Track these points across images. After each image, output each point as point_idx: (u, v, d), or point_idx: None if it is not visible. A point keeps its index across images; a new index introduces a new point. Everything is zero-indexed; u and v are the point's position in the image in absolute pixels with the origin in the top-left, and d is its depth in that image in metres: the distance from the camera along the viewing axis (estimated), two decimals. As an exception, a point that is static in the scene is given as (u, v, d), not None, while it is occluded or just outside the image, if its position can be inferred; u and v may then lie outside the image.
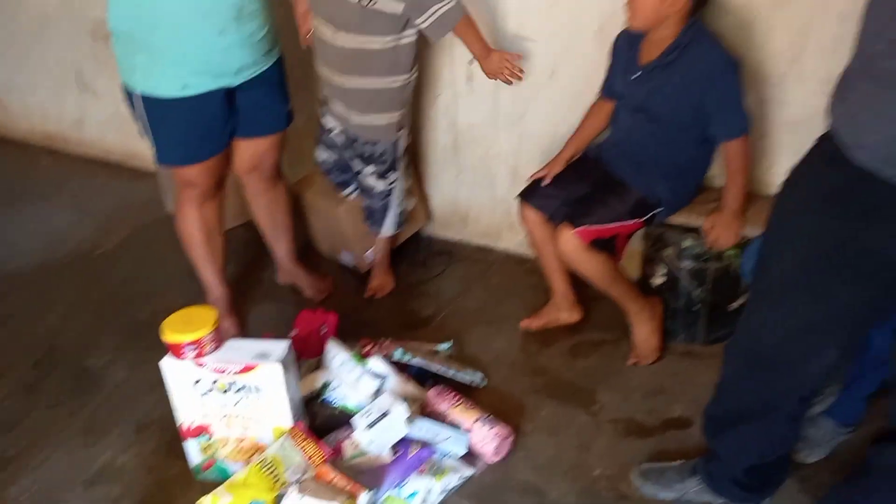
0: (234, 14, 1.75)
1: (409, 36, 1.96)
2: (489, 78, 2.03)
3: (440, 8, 1.87)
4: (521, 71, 2.01)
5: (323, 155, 2.29)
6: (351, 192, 2.32)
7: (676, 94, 1.81)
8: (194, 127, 1.85)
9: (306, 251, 2.47)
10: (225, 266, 2.15)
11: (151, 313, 2.10)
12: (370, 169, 2.17)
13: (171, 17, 1.72)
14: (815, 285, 1.25)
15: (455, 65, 2.28)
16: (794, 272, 1.27)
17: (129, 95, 1.83)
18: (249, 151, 2.04)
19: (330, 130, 2.21)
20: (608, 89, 1.99)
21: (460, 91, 2.33)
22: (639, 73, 1.85)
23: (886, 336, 1.55)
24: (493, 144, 2.38)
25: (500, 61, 1.99)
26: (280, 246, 2.30)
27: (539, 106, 2.24)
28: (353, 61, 1.98)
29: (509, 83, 2.02)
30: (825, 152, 1.21)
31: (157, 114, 1.82)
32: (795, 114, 1.93)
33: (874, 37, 1.09)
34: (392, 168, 2.18)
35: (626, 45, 1.90)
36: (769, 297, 1.35)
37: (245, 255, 2.51)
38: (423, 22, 1.89)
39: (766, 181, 2.04)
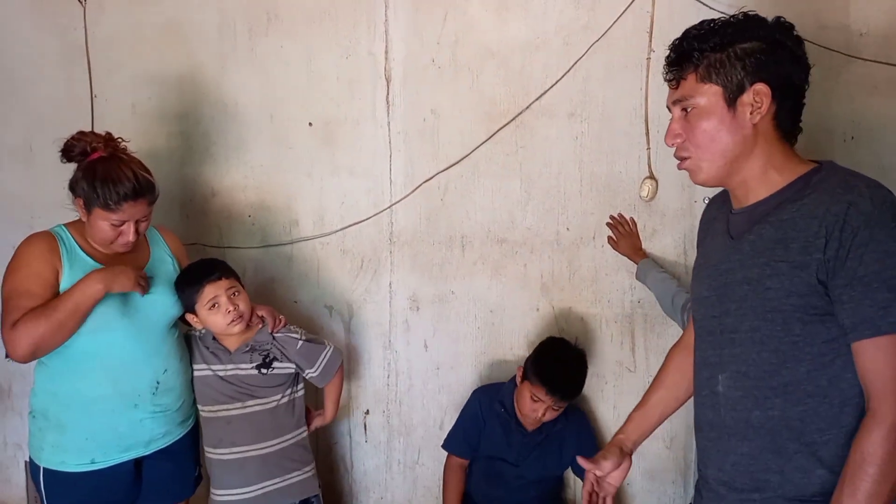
0: (152, 390, 1.83)
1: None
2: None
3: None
4: None
5: None
6: None
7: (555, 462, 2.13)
8: (96, 501, 1.82)
9: None
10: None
11: None
12: None
13: (88, 393, 1.76)
14: None
15: (352, 415, 2.48)
16: None
17: (34, 470, 1.81)
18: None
19: None
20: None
21: (358, 439, 2.50)
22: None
23: None
24: (387, 490, 2.50)
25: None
26: None
27: (430, 452, 2.44)
28: None
29: None
30: None
31: (58, 490, 1.78)
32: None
33: None
34: None
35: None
36: None
37: None
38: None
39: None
